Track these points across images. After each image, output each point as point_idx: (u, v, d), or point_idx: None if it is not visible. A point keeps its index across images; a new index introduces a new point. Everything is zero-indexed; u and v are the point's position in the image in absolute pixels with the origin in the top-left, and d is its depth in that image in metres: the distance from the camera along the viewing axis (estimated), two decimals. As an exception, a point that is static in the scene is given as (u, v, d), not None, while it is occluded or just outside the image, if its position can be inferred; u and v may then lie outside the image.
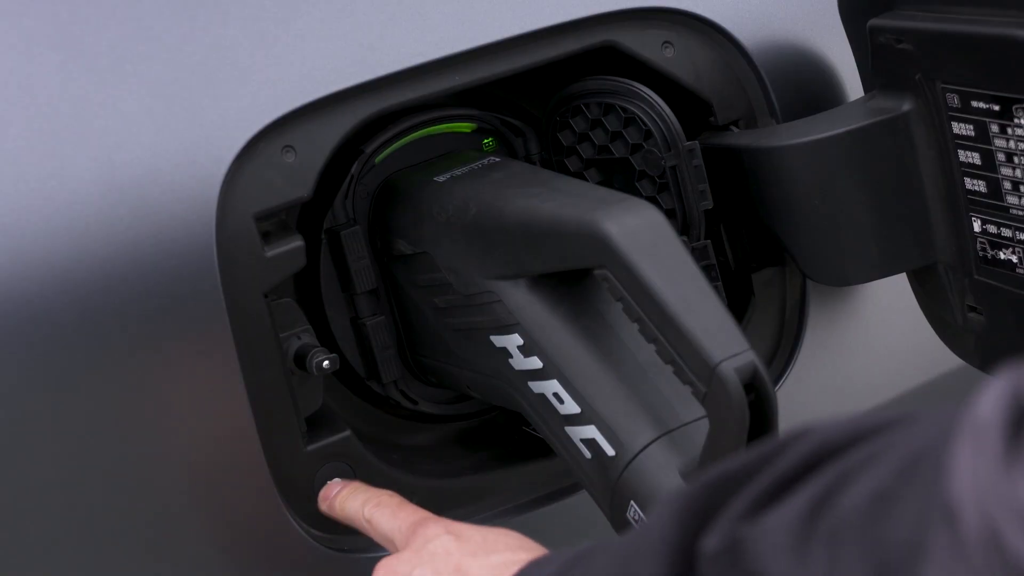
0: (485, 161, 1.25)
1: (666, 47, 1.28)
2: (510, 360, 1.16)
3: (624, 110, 1.27)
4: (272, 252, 1.14)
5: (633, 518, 1.05)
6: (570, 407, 1.11)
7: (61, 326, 1.06)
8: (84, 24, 1.09)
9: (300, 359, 1.17)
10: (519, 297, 1.14)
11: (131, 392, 1.09)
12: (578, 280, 1.14)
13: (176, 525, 1.14)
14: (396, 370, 1.28)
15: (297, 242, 1.15)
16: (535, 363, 1.13)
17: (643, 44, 1.27)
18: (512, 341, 1.15)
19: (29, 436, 1.08)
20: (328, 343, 1.26)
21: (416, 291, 1.25)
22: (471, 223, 1.17)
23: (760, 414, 0.98)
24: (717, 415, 0.99)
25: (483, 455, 1.32)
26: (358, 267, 1.24)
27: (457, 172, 1.24)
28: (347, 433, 1.21)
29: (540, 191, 1.14)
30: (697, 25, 1.28)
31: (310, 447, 1.19)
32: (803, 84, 1.31)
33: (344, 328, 1.27)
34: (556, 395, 1.12)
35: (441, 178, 1.23)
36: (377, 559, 1.08)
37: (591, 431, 1.10)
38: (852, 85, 1.30)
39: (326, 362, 1.16)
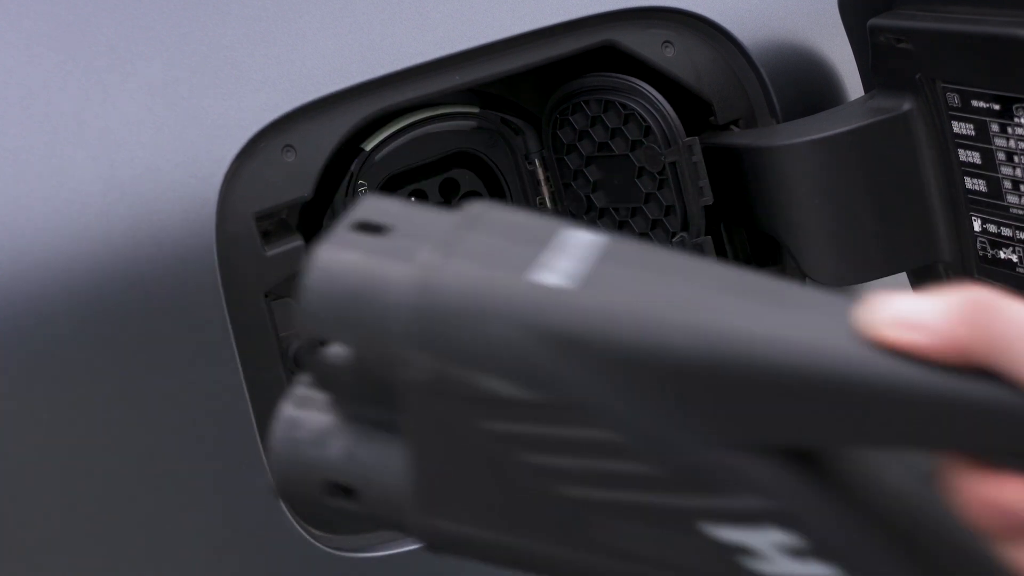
0: None
1: (666, 47, 1.27)
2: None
3: (623, 107, 1.27)
4: (272, 252, 1.14)
5: None
6: None
7: (61, 326, 1.06)
8: (84, 24, 1.09)
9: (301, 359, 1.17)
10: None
11: (131, 392, 1.10)
12: None
13: (176, 525, 1.14)
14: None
15: (297, 242, 1.15)
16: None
17: (643, 44, 1.27)
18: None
19: (28, 436, 1.08)
20: (328, 342, 1.26)
21: None
22: None
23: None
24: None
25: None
26: (358, 266, 1.24)
27: None
28: (347, 432, 1.21)
29: None
30: (697, 25, 1.27)
31: (310, 446, 1.19)
32: (803, 84, 1.31)
33: (344, 327, 1.26)
34: None
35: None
36: (377, 559, 1.08)
37: None
38: (852, 85, 1.30)
39: (326, 362, 1.16)
